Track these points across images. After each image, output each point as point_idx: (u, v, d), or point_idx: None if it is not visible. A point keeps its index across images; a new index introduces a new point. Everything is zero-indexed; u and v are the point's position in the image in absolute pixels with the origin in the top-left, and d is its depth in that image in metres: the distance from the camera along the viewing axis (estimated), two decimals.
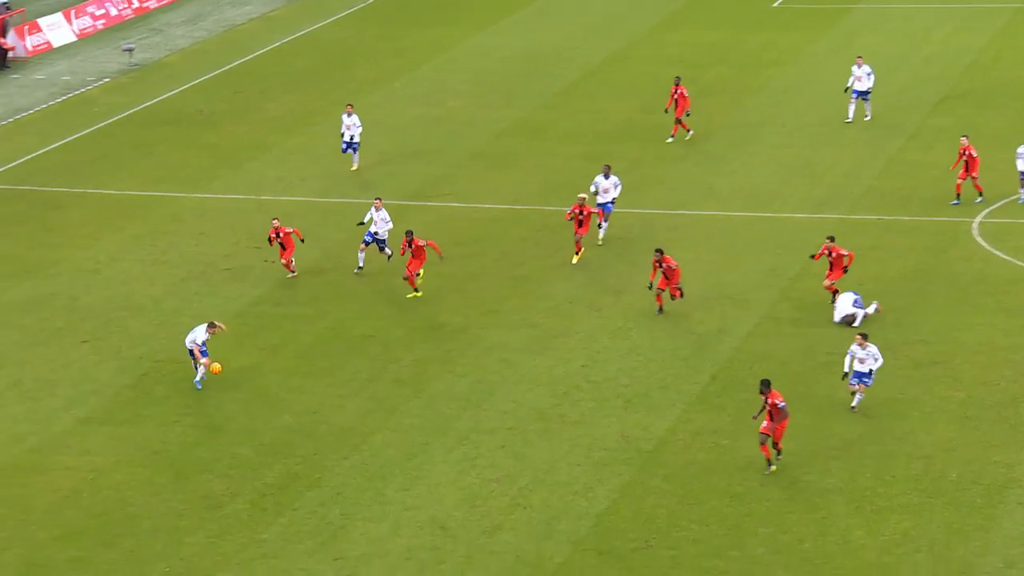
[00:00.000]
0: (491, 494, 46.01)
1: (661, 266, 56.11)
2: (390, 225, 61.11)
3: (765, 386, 45.83)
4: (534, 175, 72.46)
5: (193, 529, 44.26)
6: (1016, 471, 45.38)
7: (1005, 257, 61.03)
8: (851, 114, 76.14)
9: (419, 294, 57.90)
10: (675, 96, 74.80)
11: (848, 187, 69.55)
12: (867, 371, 49.07)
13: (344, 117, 72.68)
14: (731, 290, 59.10)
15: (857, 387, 49.27)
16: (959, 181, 65.84)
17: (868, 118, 76.25)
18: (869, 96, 75.99)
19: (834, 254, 56.73)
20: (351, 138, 72.72)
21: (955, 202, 66.01)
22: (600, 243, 61.79)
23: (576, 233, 61.19)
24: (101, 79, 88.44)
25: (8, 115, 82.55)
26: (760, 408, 46.07)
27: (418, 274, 58.26)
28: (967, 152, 65.31)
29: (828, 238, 57.21)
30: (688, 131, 75.34)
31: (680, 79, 74.87)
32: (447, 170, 73.49)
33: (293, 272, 60.87)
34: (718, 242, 64.03)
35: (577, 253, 61.26)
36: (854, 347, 48.96)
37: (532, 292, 57.29)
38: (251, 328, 56.08)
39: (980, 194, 65.92)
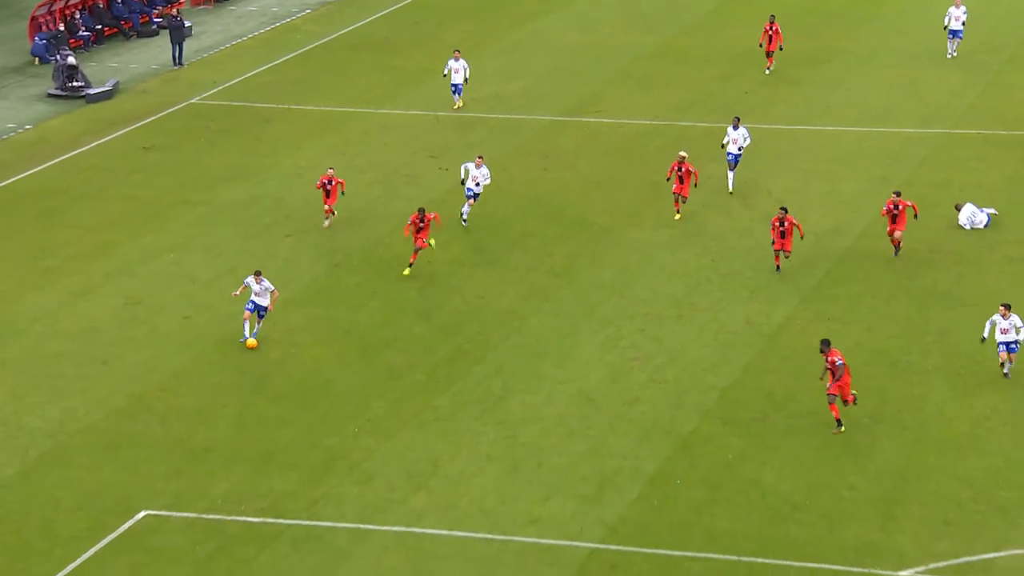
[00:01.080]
0: (631, 370, 46.45)
1: (783, 224, 51.93)
2: (488, 181, 57.35)
3: (825, 345, 42.87)
4: (673, 94, 72.35)
5: (378, 395, 45.07)
6: None
7: None
8: (951, 50, 75.15)
9: (408, 272, 53.47)
10: (769, 32, 73.02)
11: (951, 105, 69.12)
12: (1012, 340, 44.37)
13: (451, 62, 69.62)
14: (845, 196, 58.97)
15: (1005, 356, 44.54)
16: None
17: (953, 55, 75.24)
18: (961, 35, 74.85)
19: (900, 207, 52.55)
20: (458, 81, 69.82)
21: None
22: (731, 192, 60.31)
23: (673, 192, 57.18)
24: (304, 10, 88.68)
25: (226, 41, 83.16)
26: (823, 368, 42.79)
27: (429, 244, 53.41)
28: None
29: (895, 192, 53.35)
30: (770, 67, 73.75)
31: (774, 16, 73.52)
32: (598, 88, 73.49)
33: (332, 215, 57.16)
34: (834, 153, 63.83)
35: (677, 212, 57.49)
36: (996, 316, 44.53)
37: (669, 197, 57.33)
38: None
39: None
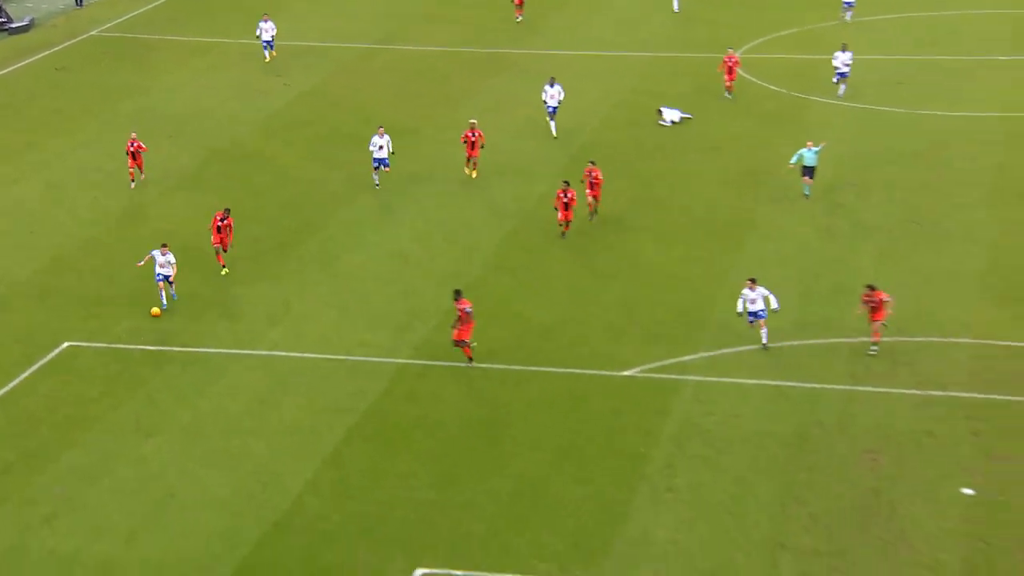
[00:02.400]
0: (433, 235, 47.04)
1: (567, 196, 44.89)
2: (391, 150, 50.30)
3: (457, 295, 37.66)
4: (459, 28, 72.10)
5: (242, 257, 45.03)
6: None
7: None
8: (675, 7, 75.16)
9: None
10: None
11: (659, 35, 69.57)
12: (760, 309, 37.98)
13: (260, 23, 64.41)
14: (585, 102, 59.61)
15: (758, 324, 38.27)
16: None
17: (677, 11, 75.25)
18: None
19: (595, 175, 46.35)
20: (268, 38, 64.45)
21: None
22: (555, 137, 60.02)
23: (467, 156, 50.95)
24: None
25: None
26: (456, 317, 37.58)
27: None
28: None
29: (590, 161, 47.41)
30: (519, 16, 71.70)
31: None
32: (403, 24, 73.04)
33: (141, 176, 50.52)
34: (577, 71, 64.13)
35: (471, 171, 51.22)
36: (745, 290, 38.25)
37: (460, 102, 56.85)
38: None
39: None
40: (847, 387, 36.32)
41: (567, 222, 45.69)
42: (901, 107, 57.69)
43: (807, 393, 36.15)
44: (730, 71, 59.04)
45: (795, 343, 38.68)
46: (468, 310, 37.42)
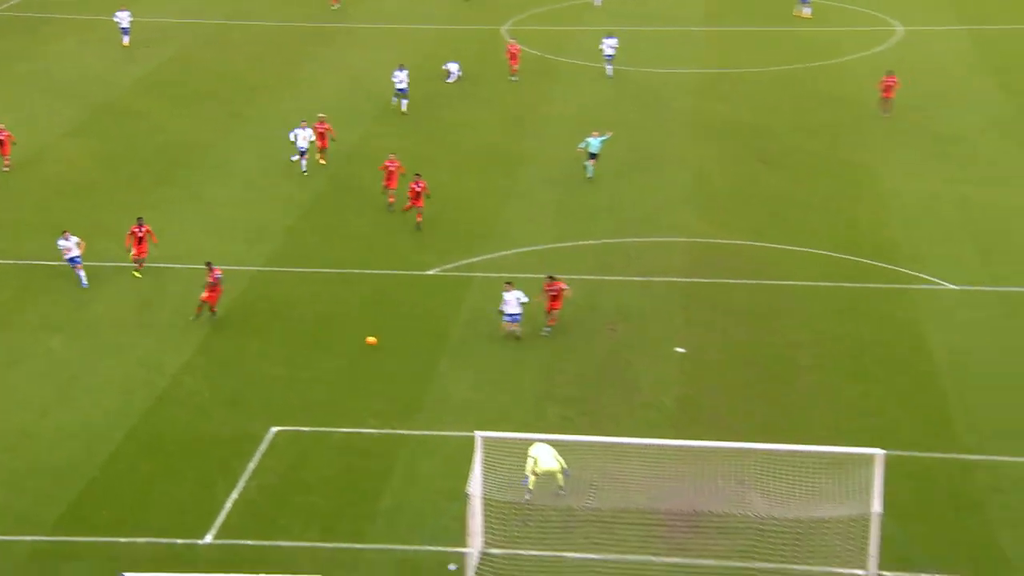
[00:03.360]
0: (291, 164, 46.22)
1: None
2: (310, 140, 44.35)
3: (208, 266, 33.30)
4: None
5: None
6: None
7: None
8: None
9: None
10: None
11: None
12: (516, 312, 32.46)
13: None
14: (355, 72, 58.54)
15: (511, 327, 32.72)
16: None
17: None
18: None
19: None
20: (125, 26, 58.78)
21: None
22: (404, 114, 58.44)
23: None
24: None
25: None
26: (206, 282, 33.44)
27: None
28: None
29: (390, 153, 41.74)
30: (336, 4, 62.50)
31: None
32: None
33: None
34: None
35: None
36: (504, 293, 32.50)
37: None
38: None
39: None
40: (594, 277, 37.02)
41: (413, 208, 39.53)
42: (630, 67, 58.38)
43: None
44: (512, 57, 55.77)
45: (552, 246, 39.19)
46: (219, 276, 33.29)
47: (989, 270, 36.54)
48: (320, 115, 45.95)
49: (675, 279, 36.65)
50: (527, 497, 25.05)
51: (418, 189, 39.61)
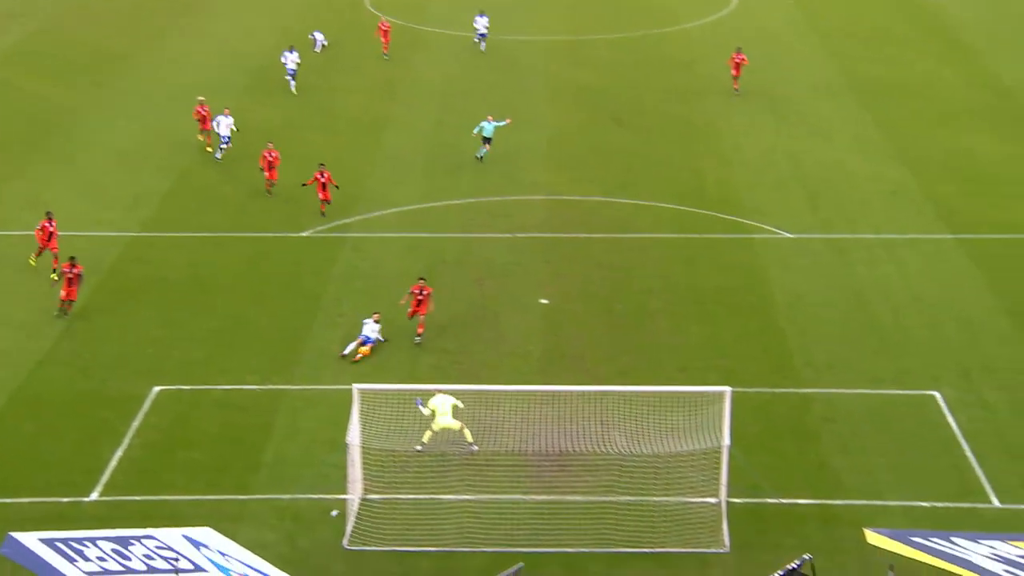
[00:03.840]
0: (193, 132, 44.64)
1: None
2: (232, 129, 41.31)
3: (70, 260, 30.67)
4: None
5: None
6: None
7: None
8: None
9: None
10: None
11: None
12: (370, 335, 29.36)
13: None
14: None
15: (362, 350, 29.44)
16: None
17: None
18: None
19: (274, 158, 37.58)
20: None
21: None
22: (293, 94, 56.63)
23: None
24: None
25: None
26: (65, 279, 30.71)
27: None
28: None
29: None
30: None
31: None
32: None
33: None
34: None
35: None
36: (368, 321, 29.59)
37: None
38: None
39: None
40: (461, 235, 36.88)
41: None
42: (491, 35, 57.97)
43: (434, 241, 36.53)
44: (384, 34, 52.46)
45: (422, 206, 38.90)
46: (80, 273, 30.73)
47: (819, 218, 37.66)
48: (200, 98, 43.30)
49: (537, 235, 36.79)
50: (418, 448, 24.88)
51: (323, 180, 36.42)
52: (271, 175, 38.34)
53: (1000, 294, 32.45)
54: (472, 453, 24.52)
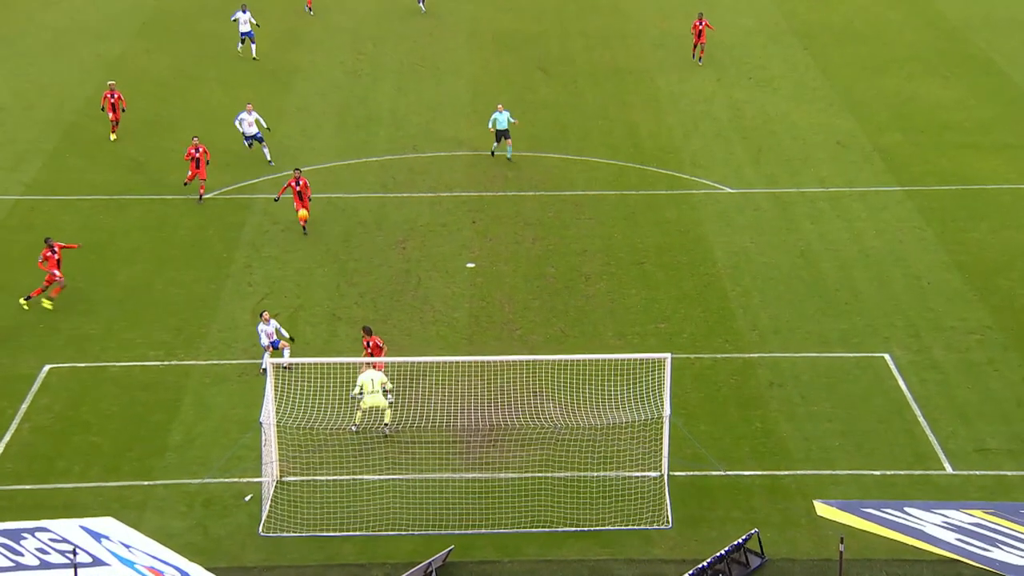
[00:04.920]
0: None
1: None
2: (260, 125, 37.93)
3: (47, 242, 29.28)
4: None
5: None
6: None
7: None
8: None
9: None
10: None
11: None
12: (273, 341, 27.07)
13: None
14: None
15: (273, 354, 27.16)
16: None
17: None
18: None
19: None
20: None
21: None
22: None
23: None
24: None
25: None
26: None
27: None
28: None
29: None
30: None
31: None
32: None
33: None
34: None
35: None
36: (260, 325, 27.18)
37: None
38: None
39: None
40: (379, 194, 36.58)
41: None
42: None
43: (349, 201, 36.17)
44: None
45: (335, 164, 38.47)
46: (59, 279, 29.21)
47: (761, 171, 38.01)
48: (110, 83, 40.03)
49: (462, 193, 36.62)
50: (353, 429, 24.67)
51: (299, 188, 32.99)
52: (200, 173, 35.02)
53: (949, 248, 33.11)
54: (384, 436, 24.29)
